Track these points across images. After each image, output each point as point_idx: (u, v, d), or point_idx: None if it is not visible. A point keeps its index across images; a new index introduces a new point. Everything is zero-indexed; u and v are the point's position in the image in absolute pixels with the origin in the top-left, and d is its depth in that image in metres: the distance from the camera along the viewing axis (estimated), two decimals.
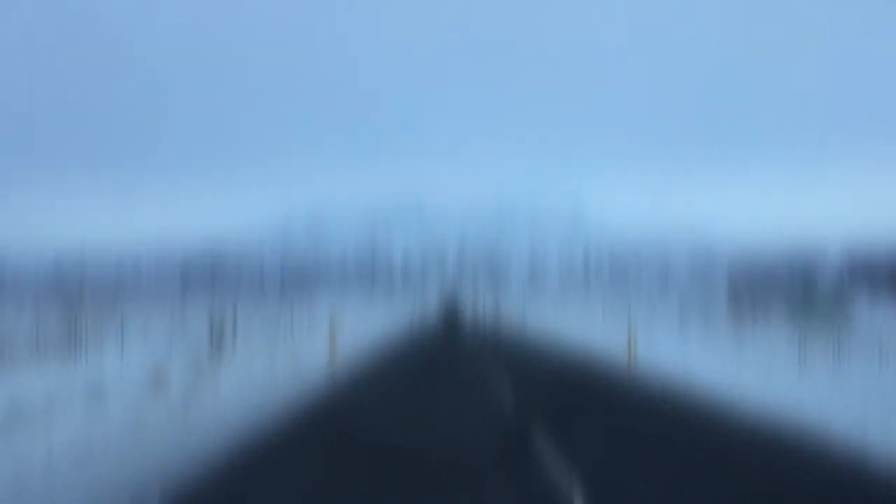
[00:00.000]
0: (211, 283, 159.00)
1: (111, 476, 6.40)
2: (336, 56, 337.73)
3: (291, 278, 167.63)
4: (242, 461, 7.29)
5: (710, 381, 13.64)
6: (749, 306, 32.13)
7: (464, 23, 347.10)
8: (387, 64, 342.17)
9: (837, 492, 6.28)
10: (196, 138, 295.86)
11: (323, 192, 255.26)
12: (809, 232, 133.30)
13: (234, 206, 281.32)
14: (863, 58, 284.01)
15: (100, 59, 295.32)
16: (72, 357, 14.67)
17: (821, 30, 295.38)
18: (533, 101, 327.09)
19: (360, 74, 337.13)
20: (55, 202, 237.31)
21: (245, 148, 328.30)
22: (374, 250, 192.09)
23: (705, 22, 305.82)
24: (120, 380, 11.02)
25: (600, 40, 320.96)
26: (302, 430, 9.04)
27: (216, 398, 10.27)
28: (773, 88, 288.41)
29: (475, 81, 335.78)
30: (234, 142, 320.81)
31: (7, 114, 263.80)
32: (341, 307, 54.99)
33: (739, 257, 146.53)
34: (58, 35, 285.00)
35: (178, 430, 8.48)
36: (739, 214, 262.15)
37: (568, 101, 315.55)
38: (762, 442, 8.29)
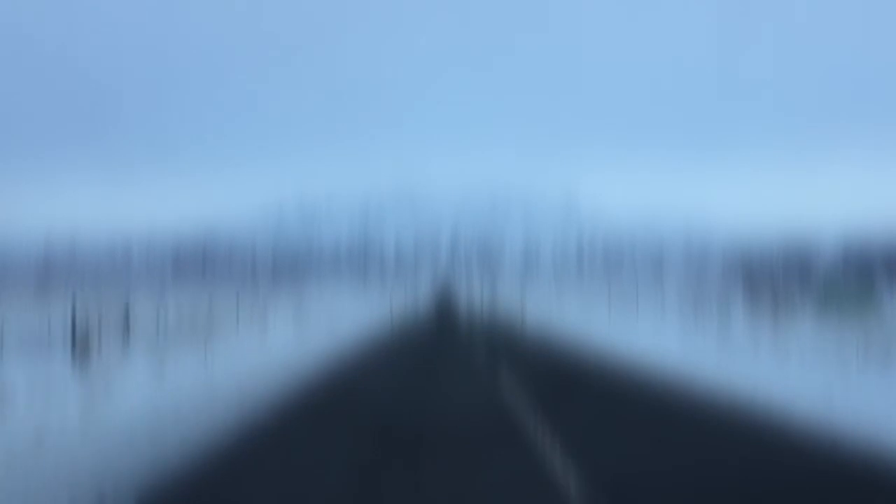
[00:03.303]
0: (201, 273, 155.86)
1: None
2: (329, 44, 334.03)
3: (283, 267, 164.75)
4: None
5: None
6: (771, 300, 28.96)
7: (457, 12, 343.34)
8: (379, 52, 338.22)
9: None
10: (188, 126, 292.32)
11: (316, 180, 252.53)
12: (806, 221, 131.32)
13: (227, 194, 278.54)
14: (859, 45, 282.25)
15: (92, 47, 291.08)
16: None
17: (817, 17, 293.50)
18: (526, 89, 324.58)
19: (352, 62, 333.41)
20: (46, 189, 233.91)
21: (238, 136, 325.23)
22: (367, 239, 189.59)
23: (700, 9, 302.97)
24: None
25: (593, 29, 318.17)
26: None
27: None
28: (769, 76, 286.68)
29: (468, 69, 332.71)
30: (226, 130, 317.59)
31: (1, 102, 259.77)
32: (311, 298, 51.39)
33: (737, 246, 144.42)
34: (51, 24, 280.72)
35: None
36: (736, 203, 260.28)
37: (561, 89, 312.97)
38: None
